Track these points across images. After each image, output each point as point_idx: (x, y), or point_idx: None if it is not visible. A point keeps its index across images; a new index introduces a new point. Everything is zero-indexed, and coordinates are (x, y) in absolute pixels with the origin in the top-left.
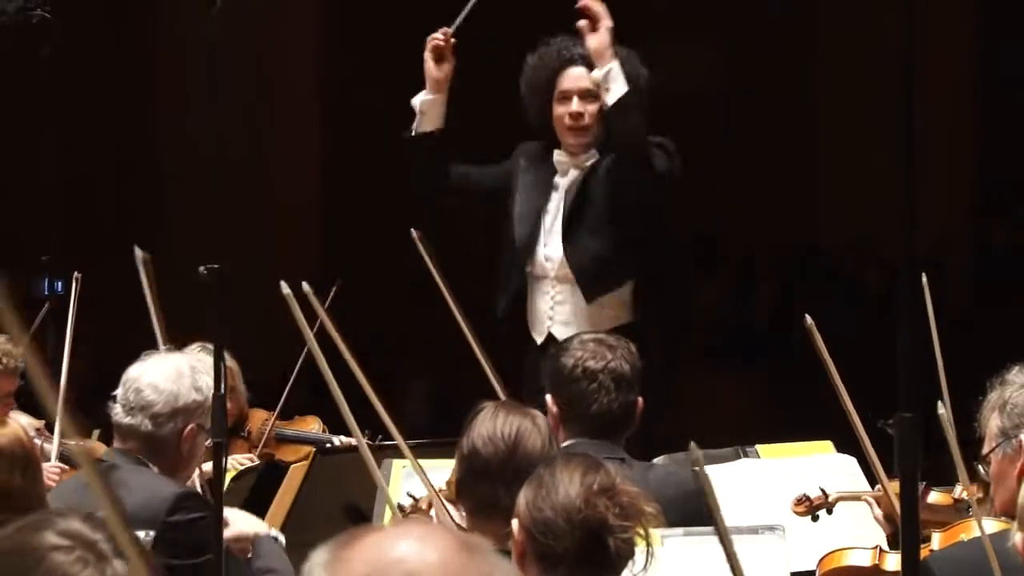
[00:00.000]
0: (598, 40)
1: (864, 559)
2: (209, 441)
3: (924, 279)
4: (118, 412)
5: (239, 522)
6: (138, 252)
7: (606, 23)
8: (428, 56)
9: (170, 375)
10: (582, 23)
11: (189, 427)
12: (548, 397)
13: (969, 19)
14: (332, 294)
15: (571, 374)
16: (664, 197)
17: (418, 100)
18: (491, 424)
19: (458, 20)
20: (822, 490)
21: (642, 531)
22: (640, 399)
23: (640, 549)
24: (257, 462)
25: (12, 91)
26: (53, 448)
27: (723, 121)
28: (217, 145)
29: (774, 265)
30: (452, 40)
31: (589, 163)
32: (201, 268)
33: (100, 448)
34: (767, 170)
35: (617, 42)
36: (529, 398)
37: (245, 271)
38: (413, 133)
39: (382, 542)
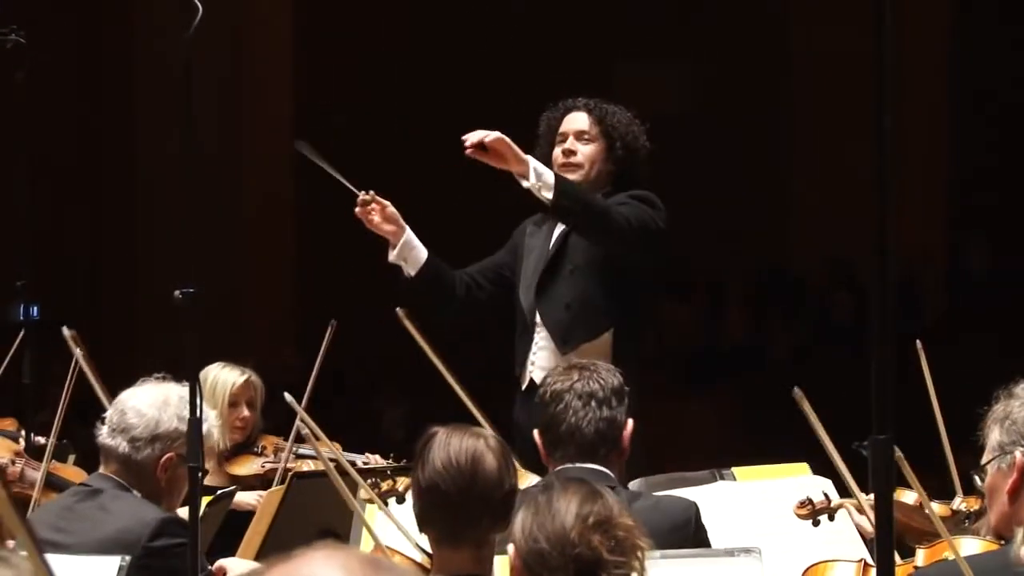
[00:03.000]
0: (498, 159)
1: (848, 573)
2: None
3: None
4: (103, 433)
5: (236, 570)
6: (65, 331)
7: (496, 140)
8: (368, 226)
9: (156, 402)
10: (477, 155)
11: (167, 456)
12: (535, 432)
13: (942, 39)
14: (328, 336)
15: (542, 400)
16: (647, 256)
17: (392, 256)
18: (445, 453)
19: (346, 182)
20: (825, 494)
21: (637, 566)
22: (629, 420)
23: None
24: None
25: None
26: (39, 473)
27: (695, 144)
28: (193, 166)
29: (746, 288)
30: (370, 196)
31: None
32: (176, 292)
33: (74, 472)
34: (738, 193)
35: (608, 114)
36: (520, 445)
37: (222, 295)
38: (408, 279)
39: (291, 563)
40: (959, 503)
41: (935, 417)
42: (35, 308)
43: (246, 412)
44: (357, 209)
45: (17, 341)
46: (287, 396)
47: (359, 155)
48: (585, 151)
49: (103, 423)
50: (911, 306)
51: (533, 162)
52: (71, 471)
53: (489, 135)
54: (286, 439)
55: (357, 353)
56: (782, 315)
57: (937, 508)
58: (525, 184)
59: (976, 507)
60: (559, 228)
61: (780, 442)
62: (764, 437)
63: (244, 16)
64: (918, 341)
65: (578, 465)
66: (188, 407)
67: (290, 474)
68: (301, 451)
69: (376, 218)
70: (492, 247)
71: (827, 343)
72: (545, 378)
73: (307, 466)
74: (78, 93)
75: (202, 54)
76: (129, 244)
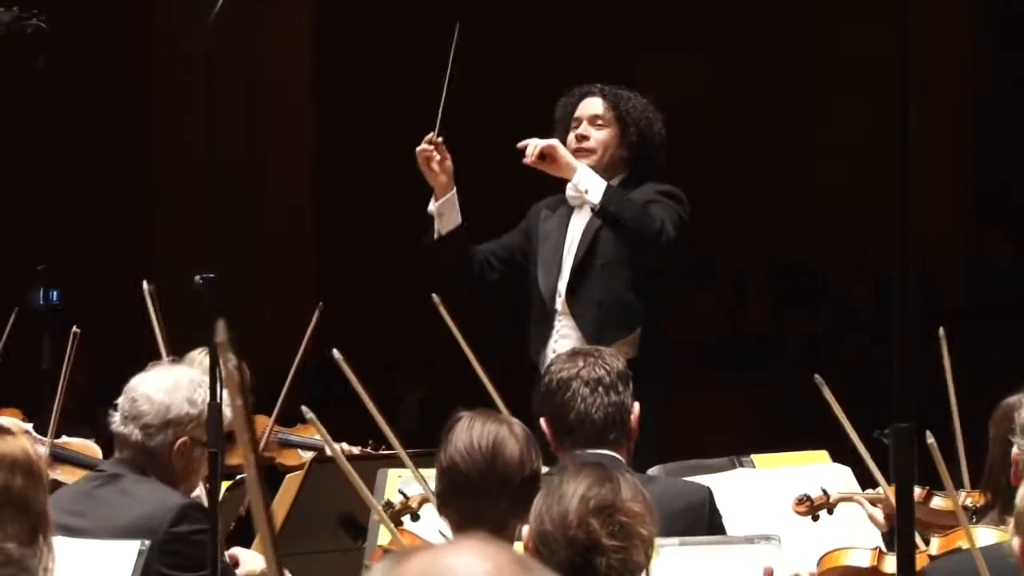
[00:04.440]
0: (553, 166)
1: (863, 560)
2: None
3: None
4: (116, 420)
5: (249, 562)
6: (145, 285)
7: (546, 147)
8: (423, 166)
9: (166, 386)
10: (532, 162)
11: (181, 440)
12: (541, 420)
13: (966, 33)
14: (315, 320)
15: (547, 389)
16: (676, 253)
17: (432, 206)
18: (467, 436)
19: (438, 120)
20: (823, 490)
21: (639, 552)
22: (636, 403)
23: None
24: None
25: (8, 101)
26: (44, 449)
27: (716, 135)
28: (212, 153)
29: (766, 279)
30: (440, 140)
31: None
32: (197, 277)
33: (91, 446)
34: (760, 183)
35: (623, 98)
36: (503, 398)
37: (238, 279)
38: (436, 237)
39: (434, 553)
40: (964, 498)
41: (951, 408)
42: (55, 293)
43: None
44: (420, 147)
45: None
46: (335, 353)
47: (381, 149)
48: (598, 136)
49: (115, 410)
50: (930, 297)
51: (582, 167)
52: (77, 444)
53: (541, 143)
54: (280, 423)
55: (373, 339)
56: (803, 304)
57: (941, 502)
58: (571, 183)
59: (981, 502)
60: (575, 216)
61: (800, 430)
62: (784, 425)
63: (265, 9)
64: (941, 329)
65: (590, 451)
66: (199, 390)
67: (310, 459)
68: (291, 439)
69: (435, 165)
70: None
71: (847, 332)
72: (549, 366)
73: (293, 454)
74: (100, 79)
75: (223, 46)
76: (151, 230)
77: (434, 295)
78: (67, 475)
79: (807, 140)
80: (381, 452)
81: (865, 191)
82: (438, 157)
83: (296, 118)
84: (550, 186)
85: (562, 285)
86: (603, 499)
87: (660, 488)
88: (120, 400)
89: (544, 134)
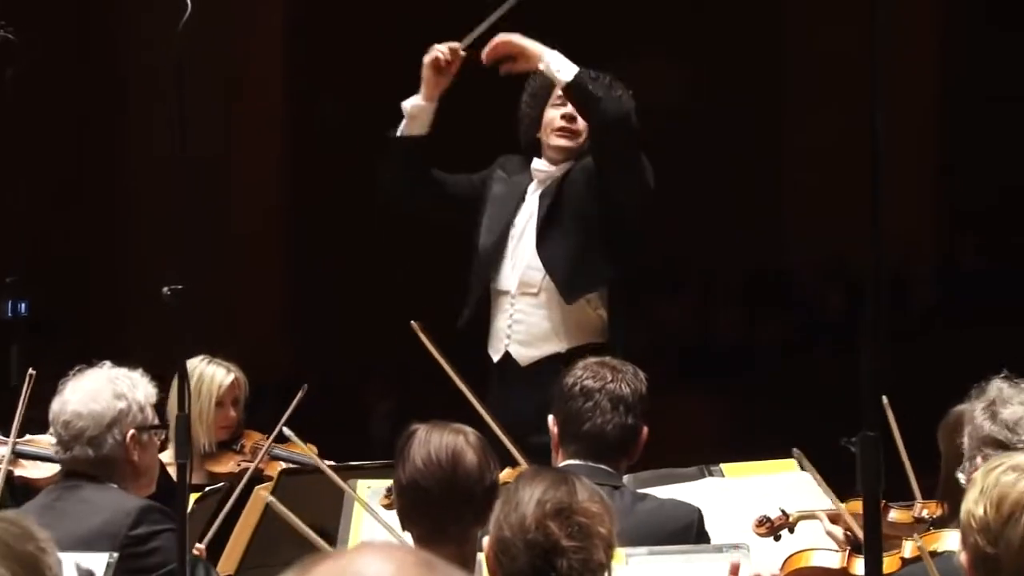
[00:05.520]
0: (518, 51)
1: (833, 561)
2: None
3: None
4: (59, 451)
5: None
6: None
7: (509, 39)
8: (427, 65)
9: (88, 396)
10: (503, 68)
11: (129, 434)
12: (550, 417)
13: (935, 36)
14: (297, 400)
15: (569, 392)
16: (643, 205)
17: (408, 104)
18: (424, 450)
19: (471, 37)
20: (782, 510)
21: (599, 553)
22: (645, 428)
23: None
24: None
25: None
26: (5, 449)
27: (687, 140)
28: (182, 163)
29: (736, 286)
30: (462, 54)
31: (562, 173)
32: (165, 289)
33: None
34: (729, 190)
35: (594, 66)
36: (494, 417)
37: (209, 285)
38: (398, 134)
39: (340, 559)
40: (920, 509)
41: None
42: (23, 304)
43: (232, 412)
44: (438, 46)
45: None
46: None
47: (353, 149)
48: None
49: (53, 445)
50: (900, 304)
51: (548, 51)
52: (44, 441)
53: (493, 42)
54: (268, 436)
55: (344, 346)
56: (773, 312)
57: (898, 515)
58: (541, 66)
59: (938, 512)
60: (537, 189)
61: (771, 437)
62: (753, 434)
63: (235, 13)
64: None
65: (590, 464)
66: (118, 381)
67: (279, 471)
68: (275, 452)
69: (441, 65)
70: None
71: (817, 340)
72: (575, 369)
73: (279, 467)
74: (69, 90)
75: (193, 52)
76: (120, 241)
77: (413, 322)
78: (31, 471)
79: (779, 145)
80: (354, 464)
81: (837, 197)
82: (446, 64)
83: (267, 120)
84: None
85: (508, 270)
86: (559, 501)
87: (650, 508)
88: (52, 433)
89: (513, 142)
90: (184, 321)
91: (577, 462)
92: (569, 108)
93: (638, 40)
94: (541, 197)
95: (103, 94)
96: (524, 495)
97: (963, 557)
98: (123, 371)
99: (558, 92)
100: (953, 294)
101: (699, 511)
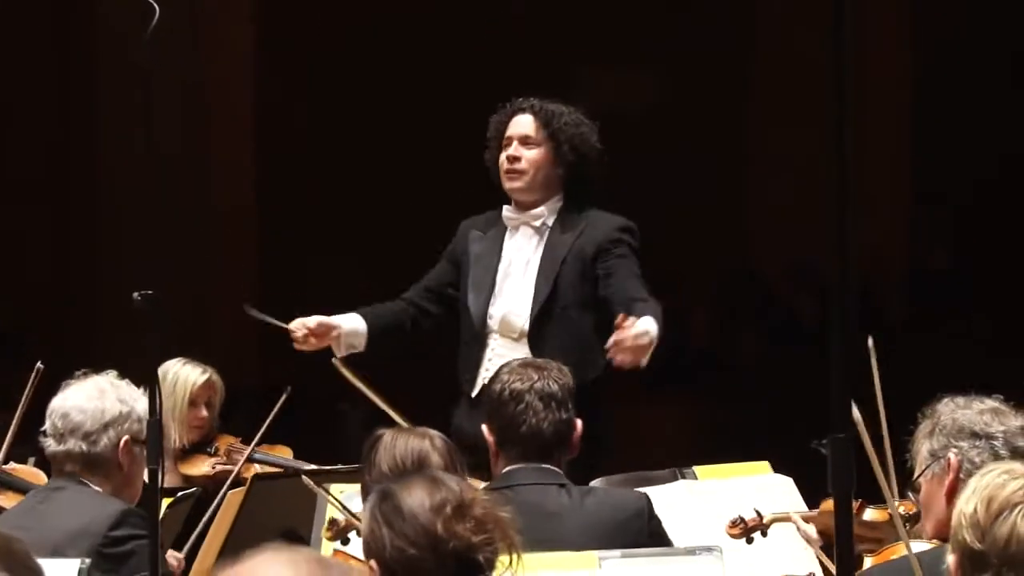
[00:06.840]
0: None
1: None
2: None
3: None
4: (50, 444)
5: None
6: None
7: (646, 347)
8: (307, 348)
9: (92, 394)
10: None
11: (123, 439)
12: (484, 427)
13: (905, 43)
14: (280, 403)
15: (499, 398)
16: None
17: (340, 353)
18: (391, 455)
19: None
20: (756, 512)
21: (501, 537)
22: (579, 421)
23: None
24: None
25: None
26: None
27: (656, 145)
28: (154, 168)
29: (708, 290)
30: (300, 331)
31: (539, 222)
32: (135, 295)
33: (38, 474)
34: (702, 195)
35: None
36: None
37: (186, 297)
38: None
39: (242, 565)
40: (896, 507)
41: (879, 418)
42: None
43: (204, 412)
44: (295, 344)
45: None
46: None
47: (324, 155)
48: (529, 156)
49: (45, 436)
50: (871, 308)
51: (651, 327)
52: (24, 470)
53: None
54: (243, 440)
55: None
56: (746, 317)
57: (874, 514)
58: (508, 211)
59: (913, 511)
60: (509, 238)
61: (744, 440)
62: (727, 437)
63: (205, 17)
64: (870, 339)
65: (532, 465)
66: (124, 389)
67: (251, 476)
68: (260, 457)
69: (313, 340)
70: None
71: (791, 345)
72: (499, 374)
73: (256, 470)
74: (40, 95)
75: (165, 56)
76: (93, 248)
77: (333, 359)
78: (11, 501)
79: (750, 150)
80: (328, 469)
81: (809, 202)
82: (306, 333)
83: (238, 121)
84: (478, 201)
85: (494, 309)
86: (453, 501)
87: (598, 500)
88: (47, 424)
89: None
90: (155, 326)
91: (521, 465)
92: (512, 149)
93: (609, 45)
94: (520, 247)
95: (75, 100)
96: (410, 506)
97: (951, 560)
98: (127, 382)
99: (507, 134)
100: (924, 299)
101: (647, 496)
